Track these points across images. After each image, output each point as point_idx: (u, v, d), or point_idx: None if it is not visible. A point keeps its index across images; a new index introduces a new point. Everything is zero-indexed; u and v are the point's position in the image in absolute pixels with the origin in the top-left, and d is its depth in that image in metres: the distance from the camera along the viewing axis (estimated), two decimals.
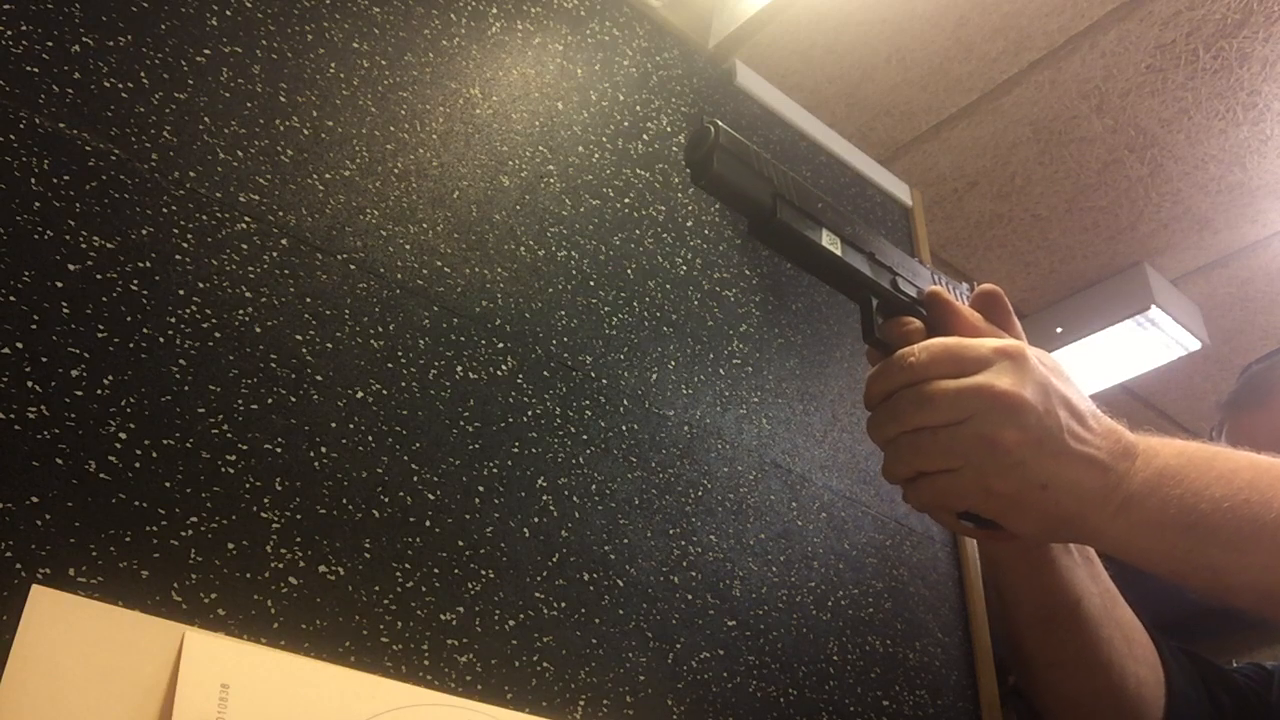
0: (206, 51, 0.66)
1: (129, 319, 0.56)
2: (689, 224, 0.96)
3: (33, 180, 0.55)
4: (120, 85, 0.61)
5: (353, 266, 0.68)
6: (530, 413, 0.74)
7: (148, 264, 0.58)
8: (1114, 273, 2.37)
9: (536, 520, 0.71)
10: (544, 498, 0.72)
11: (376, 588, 0.60)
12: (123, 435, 0.53)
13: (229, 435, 0.57)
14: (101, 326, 0.54)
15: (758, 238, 0.58)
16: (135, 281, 0.57)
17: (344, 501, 0.61)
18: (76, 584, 0.48)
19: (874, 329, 0.60)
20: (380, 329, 0.67)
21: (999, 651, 1.04)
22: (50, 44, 0.58)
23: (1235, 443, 0.94)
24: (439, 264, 0.73)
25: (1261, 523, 0.53)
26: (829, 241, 0.58)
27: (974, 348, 0.55)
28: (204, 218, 0.61)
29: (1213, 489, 0.54)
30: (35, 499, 0.49)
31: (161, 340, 0.57)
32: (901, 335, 0.60)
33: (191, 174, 0.62)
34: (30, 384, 0.51)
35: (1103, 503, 0.54)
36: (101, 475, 0.51)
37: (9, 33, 0.57)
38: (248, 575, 0.55)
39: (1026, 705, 0.75)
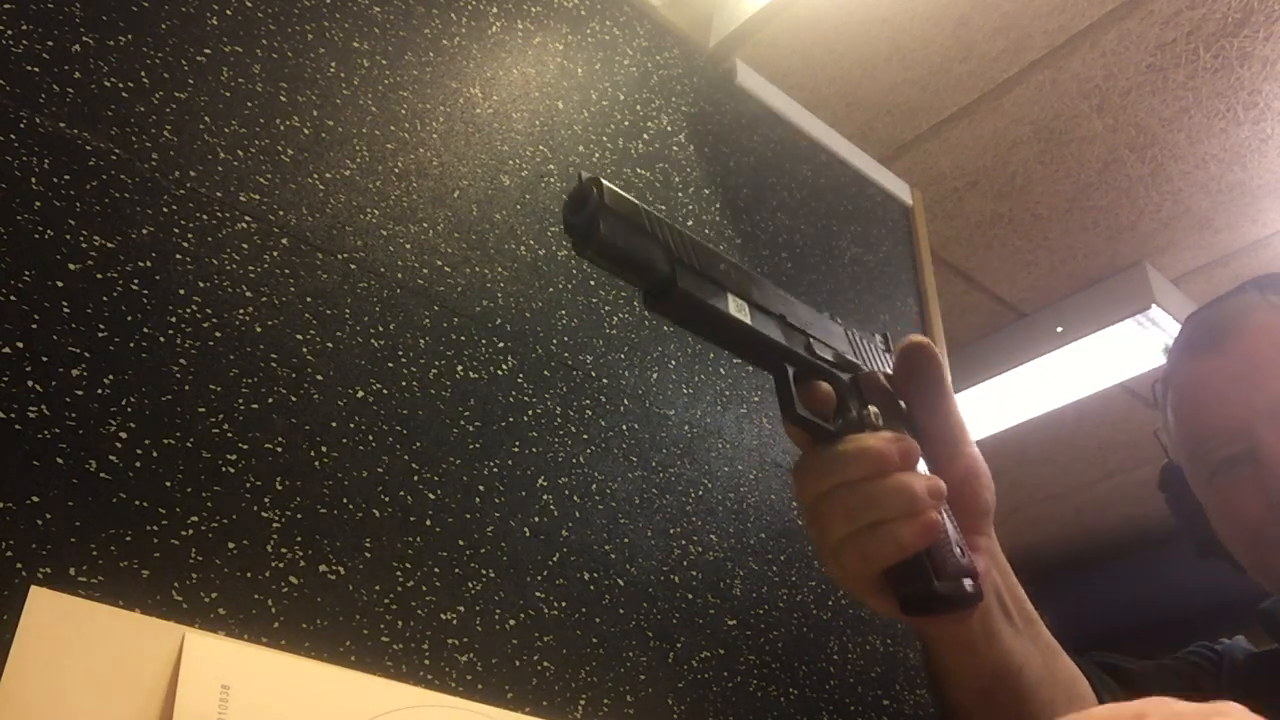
0: (207, 51, 0.66)
1: (129, 319, 0.56)
2: (689, 223, 0.96)
3: (33, 180, 0.55)
4: (120, 85, 0.61)
5: (353, 266, 0.68)
6: (531, 412, 0.74)
7: (148, 264, 0.58)
8: (1114, 272, 2.37)
9: (537, 520, 0.71)
10: (544, 497, 0.72)
11: (377, 587, 0.60)
12: (123, 435, 0.53)
13: (229, 435, 0.57)
14: (101, 326, 0.54)
15: (656, 310, 0.50)
16: (135, 281, 0.57)
17: (344, 501, 0.61)
18: (76, 584, 0.48)
19: (794, 404, 0.54)
20: (381, 328, 0.67)
21: None
22: (50, 44, 0.58)
23: (1186, 392, 0.87)
24: (439, 263, 0.73)
25: None
26: (736, 309, 0.52)
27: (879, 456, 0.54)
28: (204, 217, 0.61)
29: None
30: (35, 499, 0.49)
31: (162, 340, 0.57)
32: (818, 404, 0.56)
33: (192, 173, 0.62)
34: (30, 384, 0.51)
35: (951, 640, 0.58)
36: (102, 475, 0.51)
37: (9, 33, 0.57)
38: (248, 575, 0.55)
39: None
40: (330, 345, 0.64)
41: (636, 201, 0.49)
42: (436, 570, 0.63)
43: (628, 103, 0.95)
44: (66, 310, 0.53)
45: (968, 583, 0.54)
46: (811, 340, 0.57)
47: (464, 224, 0.76)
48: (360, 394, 0.64)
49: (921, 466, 0.55)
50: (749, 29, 1.11)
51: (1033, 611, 0.66)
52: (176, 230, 0.60)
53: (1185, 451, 0.86)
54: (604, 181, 0.47)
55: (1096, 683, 0.70)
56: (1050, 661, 0.65)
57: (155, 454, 0.54)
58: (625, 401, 0.82)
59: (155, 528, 0.52)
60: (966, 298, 2.46)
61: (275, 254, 0.64)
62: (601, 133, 0.91)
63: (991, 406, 2.66)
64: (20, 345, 0.51)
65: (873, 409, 0.56)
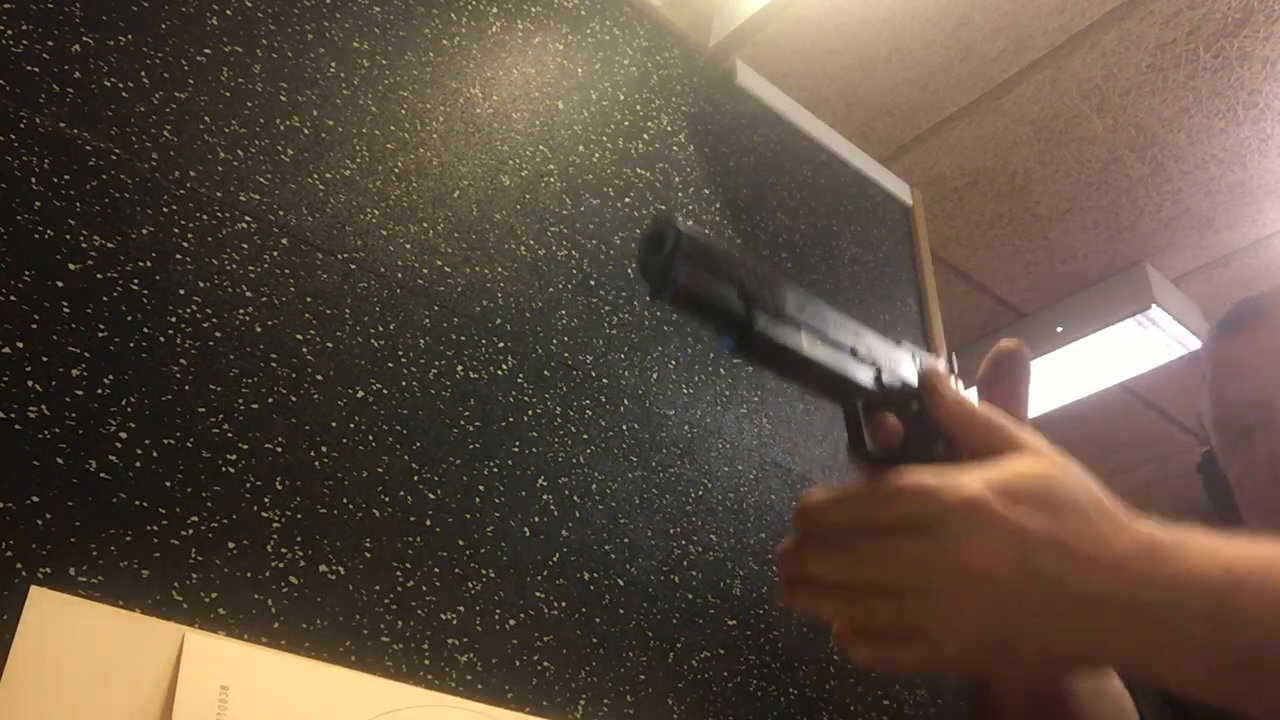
0: (206, 51, 0.66)
1: (129, 319, 0.56)
2: (690, 223, 0.96)
3: (33, 180, 0.55)
4: (120, 85, 0.61)
5: (353, 266, 0.68)
6: (531, 412, 0.74)
7: (148, 263, 0.58)
8: (1114, 272, 2.37)
9: (537, 520, 0.71)
10: (544, 497, 0.72)
11: (377, 587, 0.60)
12: (123, 435, 0.53)
13: (229, 435, 0.57)
14: (101, 326, 0.54)
15: (736, 355, 0.49)
16: (135, 281, 0.57)
17: (344, 501, 0.61)
18: (76, 584, 0.48)
19: (864, 441, 0.52)
20: (381, 328, 0.67)
21: None
22: (50, 44, 0.58)
23: (1224, 369, 0.90)
24: (439, 263, 0.73)
25: None
26: (809, 345, 0.51)
27: (932, 499, 0.47)
28: (204, 217, 0.61)
29: (1269, 614, 0.45)
30: (35, 499, 0.49)
31: (162, 340, 0.57)
32: (881, 438, 0.53)
33: (192, 173, 0.62)
34: (30, 384, 0.51)
35: (1129, 638, 0.46)
36: (102, 475, 0.51)
37: (9, 33, 0.57)
38: (248, 575, 0.55)
39: None
40: (330, 345, 0.64)
41: (711, 243, 0.48)
42: (436, 570, 0.63)
43: (628, 103, 0.95)
44: (66, 310, 0.53)
45: None
46: (881, 370, 0.55)
47: (464, 224, 0.76)
48: (360, 394, 0.64)
49: None
50: (749, 29, 1.11)
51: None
52: (176, 230, 0.60)
53: (1212, 425, 0.88)
54: (679, 223, 0.46)
55: (1141, 700, 0.69)
56: (1098, 678, 0.64)
57: (155, 454, 0.54)
58: (625, 401, 0.82)
59: (155, 528, 0.52)
60: (966, 298, 2.46)
61: (275, 254, 0.64)
62: (601, 133, 0.91)
63: None
64: (20, 345, 0.51)
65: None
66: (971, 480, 0.48)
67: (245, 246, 0.63)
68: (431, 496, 0.65)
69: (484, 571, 0.66)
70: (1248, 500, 0.84)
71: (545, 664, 0.66)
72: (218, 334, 0.59)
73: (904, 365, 0.57)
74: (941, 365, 0.56)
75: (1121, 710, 0.66)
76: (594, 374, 0.80)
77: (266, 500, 0.57)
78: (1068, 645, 0.46)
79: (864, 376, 0.54)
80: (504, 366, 0.74)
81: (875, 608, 0.48)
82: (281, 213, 0.65)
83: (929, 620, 0.47)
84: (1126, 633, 0.46)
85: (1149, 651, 0.46)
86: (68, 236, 0.55)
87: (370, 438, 0.64)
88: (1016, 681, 0.60)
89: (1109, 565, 0.47)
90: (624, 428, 0.80)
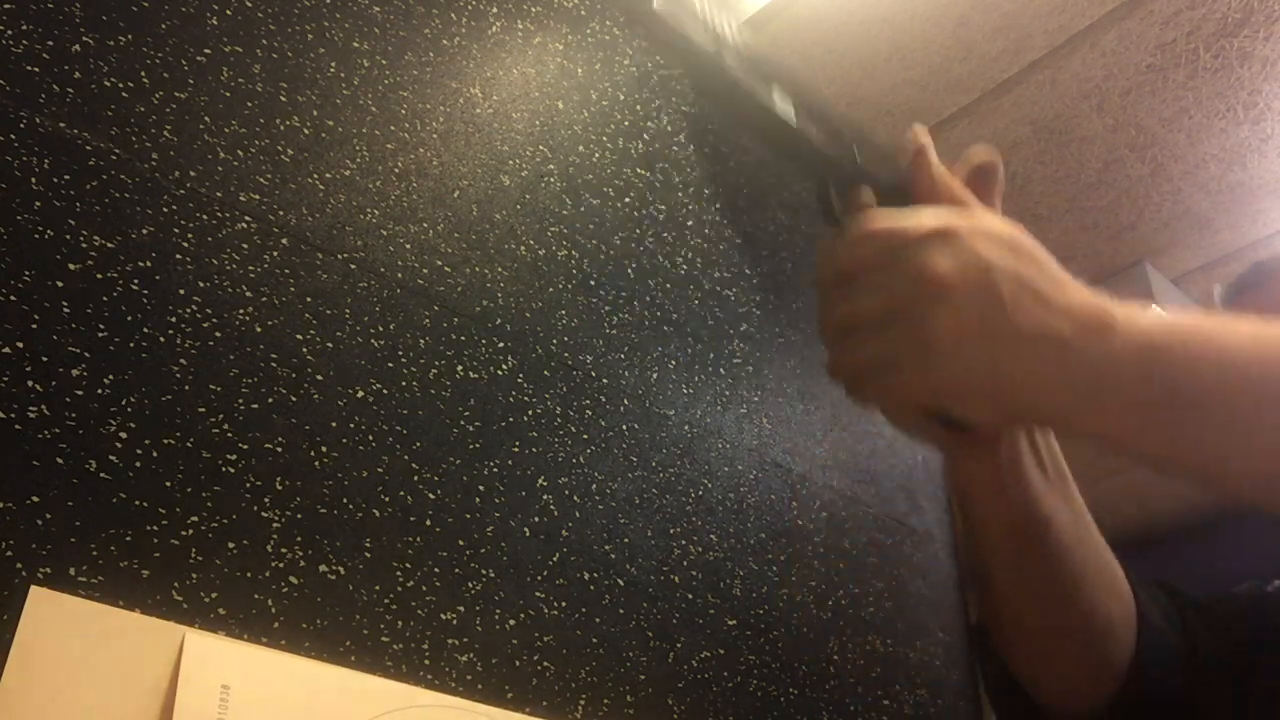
0: (207, 51, 0.66)
1: (129, 319, 0.56)
2: (689, 223, 0.96)
3: (33, 180, 0.55)
4: (120, 85, 0.61)
5: (353, 266, 0.68)
6: (531, 412, 0.74)
7: (148, 264, 0.58)
8: (1115, 272, 2.37)
9: (537, 520, 0.71)
10: (544, 497, 0.72)
11: (377, 587, 0.60)
12: (123, 435, 0.53)
13: (229, 435, 0.57)
14: (101, 326, 0.54)
15: (703, 93, 0.53)
16: (135, 281, 0.57)
17: (344, 501, 0.61)
18: (76, 584, 0.48)
19: (834, 210, 0.54)
20: (381, 328, 0.67)
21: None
22: (50, 44, 0.58)
23: None
24: (439, 263, 0.73)
25: (1263, 398, 0.46)
26: (781, 101, 0.51)
27: (903, 230, 0.50)
28: (204, 217, 0.61)
29: (1203, 365, 0.48)
30: (35, 499, 0.49)
31: (162, 340, 0.57)
32: (855, 209, 0.55)
33: (192, 173, 0.62)
34: (30, 384, 0.51)
35: (1070, 384, 0.49)
36: (101, 475, 0.51)
37: (9, 33, 0.57)
38: (248, 575, 0.55)
39: (987, 646, 0.70)
40: (330, 345, 0.64)
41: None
42: (436, 570, 0.63)
43: (628, 103, 0.95)
44: (66, 310, 0.53)
45: None
46: (858, 151, 0.56)
47: (464, 224, 0.76)
48: (360, 394, 0.64)
49: None
50: (749, 29, 1.11)
51: (1066, 470, 0.65)
52: (176, 230, 0.60)
53: None
54: None
55: (1141, 589, 0.67)
56: (1081, 529, 0.64)
57: (155, 454, 0.54)
58: (625, 401, 0.82)
59: (155, 528, 0.52)
60: None
61: (275, 254, 0.64)
62: (601, 133, 0.91)
63: None
64: (20, 345, 0.51)
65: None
66: (940, 212, 0.52)
67: (245, 246, 0.63)
68: (431, 496, 0.65)
69: (484, 571, 0.66)
70: None
71: (545, 664, 0.66)
72: (218, 334, 0.59)
73: (887, 160, 0.58)
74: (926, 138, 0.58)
75: (1108, 571, 0.65)
76: (594, 374, 0.80)
77: (266, 500, 0.57)
78: (1015, 375, 0.49)
79: (837, 149, 0.55)
80: (504, 366, 0.74)
81: (861, 342, 0.51)
82: (281, 213, 0.65)
83: (903, 342, 0.49)
84: (1066, 372, 0.49)
85: (1085, 394, 0.49)
86: (68, 236, 0.55)
87: (370, 438, 0.64)
88: (990, 465, 0.61)
89: (1060, 309, 0.50)
90: (624, 428, 0.80)
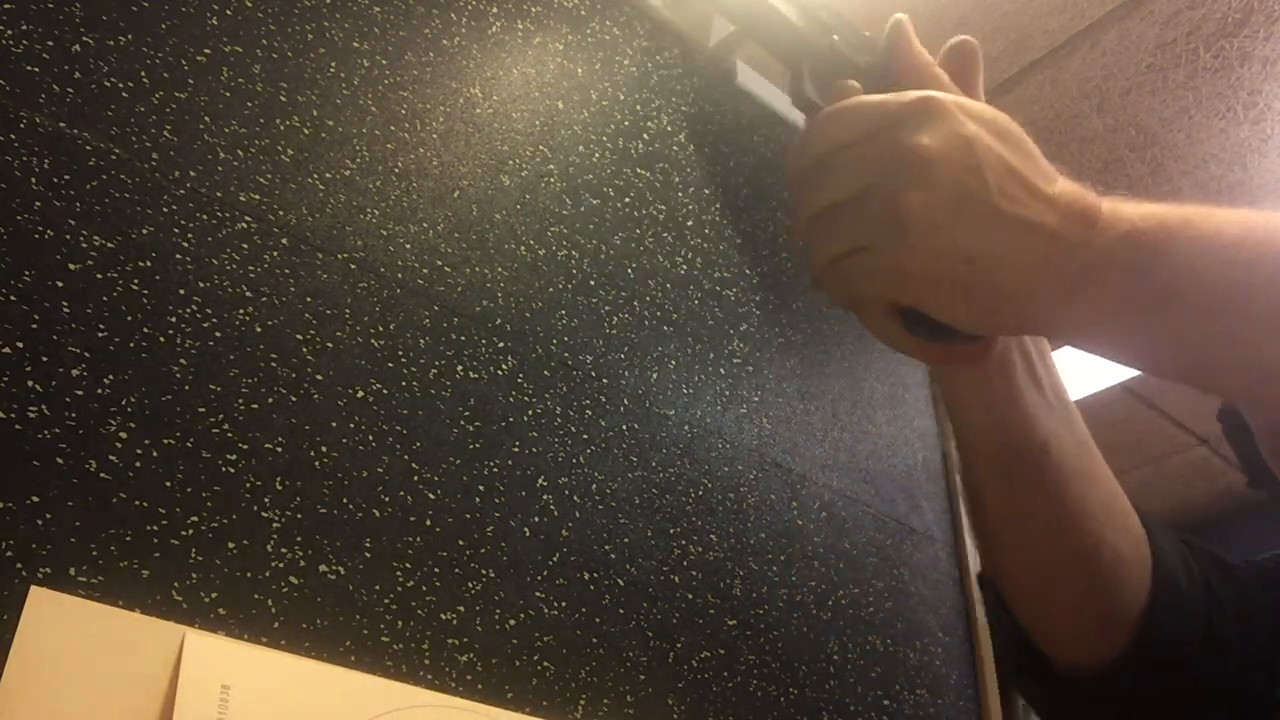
0: (207, 51, 0.66)
1: (129, 319, 0.56)
2: (689, 223, 0.96)
3: (33, 180, 0.55)
4: (120, 85, 0.61)
5: (353, 266, 0.68)
6: (531, 412, 0.74)
7: (148, 263, 0.58)
8: None
9: (537, 520, 0.71)
10: (544, 497, 0.72)
11: (377, 587, 0.60)
12: (123, 435, 0.53)
13: (229, 435, 0.57)
14: (101, 326, 0.54)
15: None
16: (135, 281, 0.57)
17: (344, 501, 0.61)
18: (76, 584, 0.48)
19: (804, 90, 0.50)
20: (381, 328, 0.67)
21: (996, 639, 1.02)
22: (50, 44, 0.58)
23: None
24: (439, 263, 0.73)
25: (1248, 287, 0.43)
26: None
27: (883, 103, 0.46)
28: (204, 217, 0.61)
29: (1190, 253, 0.44)
30: (35, 499, 0.49)
31: (162, 340, 0.57)
32: (835, 99, 0.50)
33: (192, 173, 0.62)
34: (30, 384, 0.51)
35: (1051, 277, 0.45)
36: (101, 475, 0.51)
37: (9, 33, 0.57)
38: (248, 575, 0.55)
39: (997, 599, 0.62)
40: (330, 345, 0.64)
41: None
42: (436, 570, 0.63)
43: (628, 103, 0.95)
44: (66, 310, 0.53)
45: None
46: (837, 38, 0.53)
47: (464, 224, 0.76)
48: (360, 394, 0.64)
49: None
50: None
51: (1067, 396, 0.60)
52: (176, 230, 0.60)
53: None
54: None
55: (1160, 534, 0.61)
56: (1084, 457, 0.58)
57: (155, 454, 0.54)
58: (625, 401, 0.82)
59: (155, 528, 0.52)
60: None
61: (275, 254, 0.64)
62: (601, 133, 0.91)
63: None
64: (20, 345, 0.51)
65: None
66: (923, 89, 0.48)
67: (245, 246, 0.63)
68: (431, 496, 0.65)
69: (484, 571, 0.66)
70: (1276, 450, 0.78)
71: (545, 664, 0.66)
72: (218, 334, 0.59)
73: (870, 46, 0.55)
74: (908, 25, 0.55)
75: (1117, 507, 0.60)
76: (594, 374, 0.80)
77: (266, 500, 0.57)
78: (993, 263, 0.45)
79: (817, 34, 0.52)
80: (504, 366, 0.74)
81: (832, 226, 0.47)
82: (281, 213, 0.65)
83: (877, 221, 0.45)
84: (1051, 263, 0.45)
85: (1071, 287, 0.45)
86: (68, 236, 0.55)
87: (370, 438, 0.64)
88: (980, 377, 0.56)
89: (1045, 198, 0.46)
90: (624, 428, 0.80)
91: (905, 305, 0.49)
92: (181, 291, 0.59)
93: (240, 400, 0.59)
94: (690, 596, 0.78)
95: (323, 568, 0.58)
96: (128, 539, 0.51)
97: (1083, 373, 2.52)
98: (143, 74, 0.62)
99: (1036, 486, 0.57)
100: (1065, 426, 0.59)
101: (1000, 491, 0.58)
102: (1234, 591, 0.62)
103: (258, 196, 0.65)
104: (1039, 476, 0.57)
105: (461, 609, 0.64)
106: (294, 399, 0.61)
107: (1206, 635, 0.59)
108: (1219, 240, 0.45)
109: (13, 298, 0.52)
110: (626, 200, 0.91)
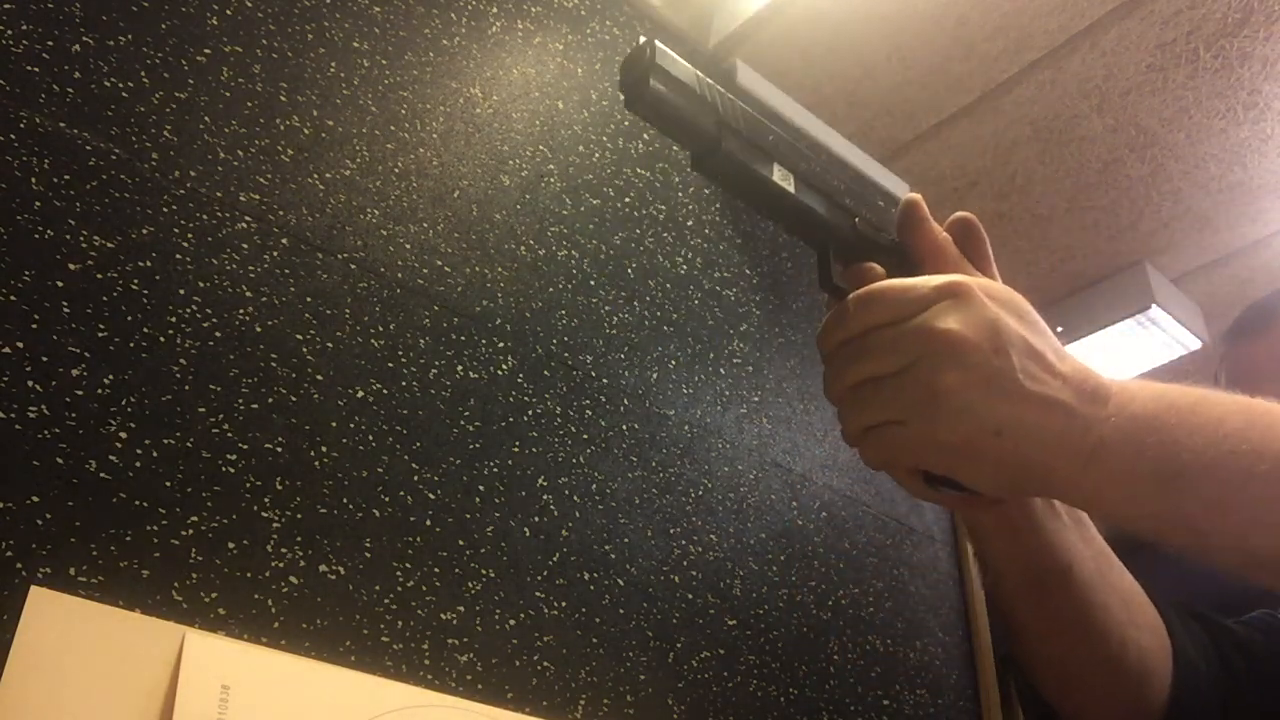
0: (206, 51, 0.66)
1: (129, 319, 0.56)
2: (689, 223, 0.96)
3: (33, 180, 0.55)
4: (120, 85, 0.61)
5: (353, 266, 0.68)
6: (531, 412, 0.74)
7: (148, 263, 0.58)
8: (1114, 272, 2.37)
9: (537, 520, 0.71)
10: (544, 497, 0.72)
11: (377, 587, 0.60)
12: (123, 435, 0.53)
13: (229, 435, 0.57)
14: (101, 326, 0.54)
15: (701, 171, 0.52)
16: (135, 281, 0.57)
17: (344, 501, 0.61)
18: (76, 584, 0.48)
19: (831, 275, 0.54)
20: (381, 328, 0.67)
21: (999, 649, 1.03)
22: (50, 44, 0.58)
23: (1236, 373, 0.90)
24: (439, 263, 0.73)
25: (1247, 477, 0.48)
26: (781, 178, 0.52)
27: (913, 288, 0.51)
28: (204, 217, 0.61)
29: (1195, 438, 0.49)
30: (35, 499, 0.49)
31: (162, 340, 0.57)
32: (861, 282, 0.55)
33: (192, 173, 0.62)
34: (30, 384, 0.51)
35: (1069, 450, 0.49)
36: (101, 475, 0.51)
37: (9, 33, 0.57)
38: (248, 575, 0.55)
39: (1022, 676, 0.68)
40: (330, 345, 0.64)
41: (689, 65, 0.50)
42: (436, 570, 0.63)
43: None
44: (66, 310, 0.53)
45: None
46: (860, 220, 0.56)
47: (464, 224, 0.76)
48: (360, 394, 0.64)
49: None
50: (749, 28, 1.11)
51: (1084, 515, 0.64)
52: (176, 230, 0.60)
53: None
54: (659, 44, 0.48)
55: (1176, 621, 0.67)
56: (1104, 567, 0.63)
57: (155, 454, 0.54)
58: (625, 401, 0.82)
59: (155, 528, 0.52)
60: None
61: (275, 254, 0.64)
62: (601, 133, 0.91)
63: None
64: (20, 345, 0.51)
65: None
66: (950, 274, 0.52)
67: (245, 246, 0.63)
68: (431, 496, 0.65)
69: (484, 571, 0.66)
70: None
71: (545, 664, 0.66)
72: (218, 334, 0.59)
73: (889, 224, 0.59)
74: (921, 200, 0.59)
75: (1135, 606, 0.64)
76: (594, 374, 0.80)
77: (266, 500, 0.57)
78: (1019, 436, 0.49)
79: (839, 219, 0.56)
80: (504, 366, 0.74)
81: (872, 401, 0.51)
82: (281, 213, 0.65)
83: (913, 397, 0.49)
84: (1069, 437, 0.49)
85: (1086, 460, 0.49)
86: (68, 236, 0.55)
87: (370, 438, 0.64)
88: (1001, 513, 0.60)
89: (1061, 375, 0.50)
90: (624, 428, 0.80)
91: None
92: (181, 291, 0.59)
93: (240, 400, 0.59)
94: (690, 596, 0.78)
95: (323, 568, 0.58)
96: (128, 539, 0.51)
97: None
98: (143, 74, 0.62)
99: (1064, 602, 0.62)
100: (1084, 542, 0.63)
101: (1031, 610, 0.63)
102: (1245, 661, 0.68)
103: (258, 196, 0.65)
104: (1065, 594, 0.62)
105: (461, 609, 0.64)
106: (294, 399, 0.61)
107: (1226, 709, 0.65)
108: (1222, 429, 0.49)
109: (13, 298, 0.52)
110: (626, 200, 0.91)
